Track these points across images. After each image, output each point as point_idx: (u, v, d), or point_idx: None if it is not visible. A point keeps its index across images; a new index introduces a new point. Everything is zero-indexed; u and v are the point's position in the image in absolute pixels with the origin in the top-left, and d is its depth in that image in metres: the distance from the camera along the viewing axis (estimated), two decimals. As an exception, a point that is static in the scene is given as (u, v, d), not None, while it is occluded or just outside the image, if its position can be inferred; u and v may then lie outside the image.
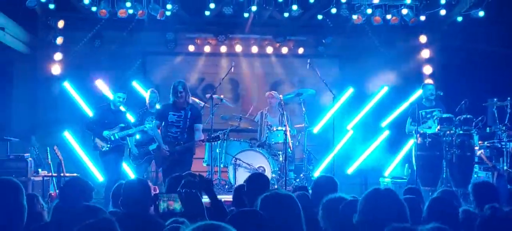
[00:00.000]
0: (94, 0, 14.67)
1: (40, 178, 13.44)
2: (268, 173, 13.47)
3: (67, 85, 15.95)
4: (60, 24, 15.67)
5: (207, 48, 16.80)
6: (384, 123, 16.64)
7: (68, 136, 15.58)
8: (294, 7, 15.11)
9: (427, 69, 16.75)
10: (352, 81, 16.67)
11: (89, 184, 7.31)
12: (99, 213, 5.99)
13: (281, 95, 14.10)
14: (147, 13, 14.91)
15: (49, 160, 13.20)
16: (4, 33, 14.35)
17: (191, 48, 16.82)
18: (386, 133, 16.56)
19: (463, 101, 12.91)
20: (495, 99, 13.30)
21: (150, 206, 5.98)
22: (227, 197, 11.83)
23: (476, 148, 12.83)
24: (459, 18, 15.44)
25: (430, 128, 13.22)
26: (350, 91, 16.54)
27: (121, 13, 14.75)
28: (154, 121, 11.96)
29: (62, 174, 12.61)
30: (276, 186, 13.48)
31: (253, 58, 17.19)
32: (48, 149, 13.27)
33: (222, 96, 14.75)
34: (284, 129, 13.44)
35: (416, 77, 16.56)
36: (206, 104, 14.32)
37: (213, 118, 13.89)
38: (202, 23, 16.44)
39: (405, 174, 14.98)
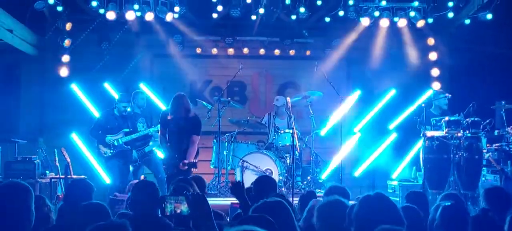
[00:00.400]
0: (102, 3, 14.67)
1: (48, 180, 13.48)
2: (275, 176, 13.46)
3: (74, 87, 15.98)
4: (68, 26, 15.68)
5: (214, 51, 16.80)
6: (392, 126, 16.63)
7: (75, 138, 15.60)
8: (302, 9, 15.09)
9: (435, 72, 16.71)
10: (360, 83, 16.67)
11: (92, 186, 7.34)
12: (101, 211, 6.02)
13: (288, 98, 14.08)
14: (155, 16, 14.91)
15: (57, 162, 13.25)
16: (12, 36, 14.37)
17: (199, 50, 16.82)
18: (393, 136, 16.54)
19: (471, 104, 12.89)
20: (503, 102, 13.25)
21: (158, 208, 5.98)
22: (234, 200, 11.86)
23: (484, 150, 12.78)
24: (467, 21, 15.40)
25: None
26: (357, 93, 16.53)
27: (129, 16, 14.75)
28: (152, 128, 12.05)
29: (69, 176, 12.63)
30: (283, 189, 13.50)
31: (261, 60, 17.19)
32: (55, 151, 13.32)
33: (229, 98, 14.74)
34: (291, 131, 13.44)
35: (423, 80, 16.55)
36: (213, 107, 14.32)
37: (220, 120, 13.89)
38: (209, 26, 16.43)
39: (412, 177, 14.95)
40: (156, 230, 6.05)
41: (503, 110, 13.14)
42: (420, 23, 15.36)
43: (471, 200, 11.97)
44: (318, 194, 10.12)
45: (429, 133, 12.89)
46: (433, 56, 16.70)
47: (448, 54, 16.67)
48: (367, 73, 16.53)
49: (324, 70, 14.42)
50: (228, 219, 8.33)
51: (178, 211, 5.18)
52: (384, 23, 15.36)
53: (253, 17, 15.70)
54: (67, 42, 15.67)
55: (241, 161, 13.75)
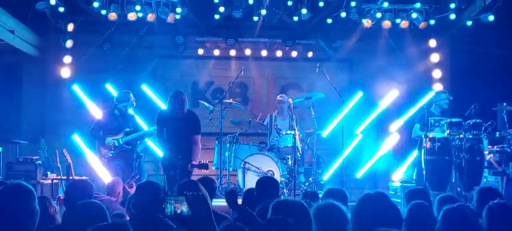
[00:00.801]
0: (104, 4, 14.68)
1: (49, 181, 13.45)
2: (277, 177, 13.45)
3: (76, 88, 15.99)
4: (70, 27, 15.71)
5: (216, 52, 16.82)
6: (394, 127, 16.61)
7: (77, 139, 15.59)
8: (304, 10, 15.10)
9: (437, 74, 16.72)
10: (362, 85, 16.65)
11: (92, 186, 7.34)
12: (98, 211, 6.00)
13: (290, 99, 14.06)
14: (157, 17, 14.92)
15: (58, 163, 13.21)
16: (13, 36, 14.37)
17: (201, 51, 16.80)
18: (395, 137, 16.53)
19: (472, 106, 12.87)
20: (505, 103, 13.23)
21: (161, 208, 5.98)
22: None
23: (486, 152, 12.75)
24: (469, 22, 15.42)
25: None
26: (359, 95, 16.53)
27: (131, 17, 14.75)
28: (152, 127, 12.05)
29: (71, 177, 12.60)
30: (285, 190, 13.50)
31: (263, 61, 17.17)
32: (57, 151, 13.29)
33: (231, 100, 14.73)
34: (293, 132, 13.43)
35: (425, 82, 16.55)
36: (215, 108, 14.31)
37: (222, 122, 13.89)
38: (211, 27, 16.46)
39: (414, 179, 14.93)
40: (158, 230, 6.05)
41: (504, 112, 13.12)
42: (422, 25, 15.37)
43: (472, 202, 11.94)
44: (320, 195, 10.10)
45: (430, 134, 12.87)
46: (435, 57, 16.71)
47: (450, 56, 16.69)
48: (369, 75, 16.51)
49: (326, 72, 14.41)
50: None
51: (178, 211, 5.16)
52: (386, 24, 15.37)
53: (255, 19, 15.72)
54: (68, 43, 15.69)
55: (243, 162, 13.74)
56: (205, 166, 11.54)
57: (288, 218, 4.92)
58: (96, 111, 15.46)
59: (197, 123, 11.67)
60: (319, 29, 16.53)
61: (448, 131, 12.58)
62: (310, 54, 16.96)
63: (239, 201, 8.40)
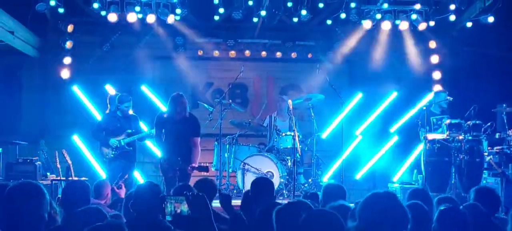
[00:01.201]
0: (104, 5, 14.66)
1: (49, 182, 13.42)
2: (277, 178, 13.48)
3: (76, 89, 15.99)
4: (70, 28, 15.72)
5: (216, 53, 16.81)
6: (393, 128, 16.62)
7: (76, 139, 15.62)
8: (303, 12, 15.08)
9: (437, 75, 16.71)
10: (361, 86, 16.66)
11: (88, 186, 7.34)
12: (99, 216, 6.00)
13: (290, 100, 14.06)
14: (157, 18, 14.91)
15: (58, 163, 13.21)
16: (13, 37, 14.37)
17: (200, 52, 16.78)
18: (395, 138, 16.54)
19: (472, 107, 12.87)
20: (505, 105, 13.26)
21: (159, 210, 5.98)
22: (235, 202, 11.86)
23: (485, 153, 12.77)
24: (469, 24, 15.41)
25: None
26: (359, 96, 16.54)
27: (131, 18, 14.74)
28: (153, 129, 12.06)
29: (70, 178, 12.60)
30: (284, 191, 13.50)
31: (262, 62, 17.16)
32: (56, 152, 13.29)
33: (230, 101, 14.73)
34: (292, 133, 13.43)
35: (425, 83, 16.54)
36: (215, 109, 14.32)
37: (222, 123, 13.89)
38: (211, 28, 16.46)
39: (413, 180, 14.94)
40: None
41: (504, 113, 13.15)
42: (422, 26, 15.35)
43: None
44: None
45: (430, 136, 12.88)
46: (434, 59, 16.71)
47: (449, 57, 16.67)
48: (369, 76, 16.50)
49: (326, 73, 14.41)
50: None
51: (178, 211, 5.18)
52: (386, 26, 15.36)
53: (255, 20, 15.71)
54: (68, 44, 15.70)
55: (243, 163, 13.74)
56: (205, 169, 11.55)
57: None
58: (96, 113, 15.47)
59: (197, 125, 11.72)
60: (319, 30, 16.53)
61: (447, 132, 12.59)
62: (309, 55, 16.96)
63: (237, 201, 8.43)
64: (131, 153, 13.07)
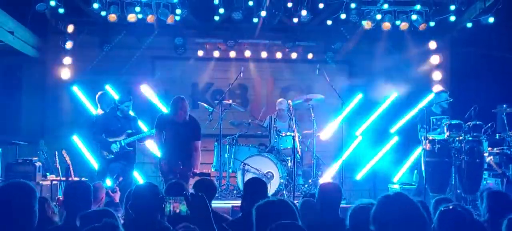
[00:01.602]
0: (104, 5, 14.66)
1: (48, 182, 13.43)
2: (277, 179, 13.48)
3: (76, 89, 15.98)
4: (70, 28, 15.69)
5: (216, 53, 16.79)
6: (393, 129, 16.60)
7: (76, 140, 15.60)
8: (304, 12, 15.07)
9: (437, 75, 16.70)
10: (361, 87, 16.63)
11: (90, 187, 7.32)
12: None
13: (290, 101, 14.04)
14: (157, 18, 14.91)
15: (58, 164, 13.20)
16: (13, 37, 14.36)
17: (200, 53, 16.76)
18: (395, 139, 16.53)
19: (472, 108, 12.85)
20: (505, 105, 13.24)
21: (158, 211, 5.97)
22: (235, 202, 11.86)
23: (485, 154, 12.75)
24: (469, 24, 15.39)
25: (440, 135, 13.13)
26: (359, 97, 16.52)
27: (131, 18, 14.75)
28: (153, 129, 12.06)
29: (70, 178, 12.58)
30: (284, 192, 13.49)
31: (262, 63, 17.13)
32: (56, 153, 13.27)
33: (231, 101, 14.72)
34: (293, 134, 13.42)
35: (425, 83, 16.52)
36: (215, 110, 14.31)
37: (222, 123, 13.88)
38: (211, 28, 16.45)
39: (413, 180, 14.93)
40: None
41: (504, 114, 13.13)
42: (422, 27, 15.37)
43: (472, 204, 11.93)
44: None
45: (430, 136, 12.86)
46: (435, 59, 16.70)
47: (450, 58, 16.69)
48: (369, 77, 16.49)
49: (326, 74, 14.40)
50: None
51: (177, 211, 5.17)
52: (386, 26, 15.36)
53: (255, 20, 15.67)
54: (68, 44, 15.68)
55: (243, 164, 13.72)
56: (207, 175, 11.56)
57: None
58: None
59: (198, 129, 11.77)
60: (319, 30, 16.50)
61: (448, 133, 12.56)
62: (310, 55, 16.93)
63: (237, 202, 8.41)
64: (131, 153, 13.02)
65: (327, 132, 15.36)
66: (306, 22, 15.56)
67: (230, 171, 14.29)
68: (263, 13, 15.18)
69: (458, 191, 12.36)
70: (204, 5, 15.52)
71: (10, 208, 4.82)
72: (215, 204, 12.01)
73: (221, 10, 15.31)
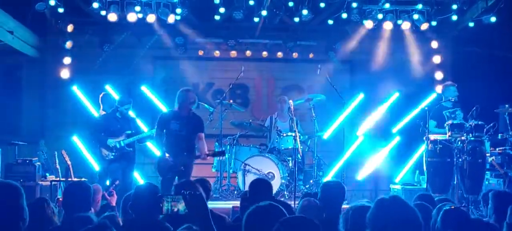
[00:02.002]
0: (104, 4, 14.63)
1: (48, 183, 13.41)
2: (278, 179, 13.43)
3: (75, 89, 15.94)
4: (69, 28, 15.68)
5: (216, 53, 16.76)
6: (395, 129, 16.55)
7: (76, 140, 15.56)
8: (305, 11, 15.03)
9: (439, 75, 16.65)
10: (363, 86, 16.57)
11: (90, 187, 7.28)
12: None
13: (291, 101, 13.99)
14: (157, 18, 14.88)
15: (57, 164, 13.18)
16: (13, 37, 14.33)
17: (201, 52, 16.73)
18: (397, 139, 16.47)
19: (474, 107, 12.77)
20: (507, 105, 13.16)
21: (158, 211, 5.92)
22: (236, 203, 11.80)
23: (488, 154, 12.69)
24: (471, 24, 15.35)
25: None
26: (360, 97, 16.46)
27: (131, 18, 14.70)
28: (153, 129, 12.03)
29: (70, 179, 12.55)
30: (285, 192, 13.44)
31: (263, 63, 17.11)
32: (56, 153, 13.26)
33: (231, 101, 14.68)
34: (293, 134, 13.37)
35: (427, 83, 16.49)
36: (215, 110, 14.27)
37: (222, 123, 13.84)
38: (211, 28, 16.42)
39: (415, 181, 14.87)
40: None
41: (506, 114, 13.05)
42: (424, 26, 15.33)
43: (474, 204, 11.88)
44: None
45: (432, 136, 12.80)
46: (436, 59, 16.65)
47: (451, 57, 16.66)
48: (371, 76, 16.45)
49: (327, 73, 14.35)
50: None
51: (175, 210, 5.12)
52: (388, 26, 15.35)
53: (256, 20, 15.65)
54: (68, 44, 15.68)
55: (243, 164, 13.67)
56: (222, 153, 12.09)
57: None
58: (96, 114, 15.41)
59: (201, 121, 11.90)
60: (320, 30, 16.48)
61: (449, 133, 12.50)
62: (311, 55, 16.90)
63: (237, 202, 8.36)
64: (131, 154, 12.98)
65: (328, 132, 15.35)
66: (307, 21, 15.53)
67: (230, 171, 14.24)
68: (264, 13, 15.14)
69: (460, 192, 12.30)
70: (205, 5, 15.48)
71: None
72: (216, 204, 12.04)
73: (222, 10, 15.27)
